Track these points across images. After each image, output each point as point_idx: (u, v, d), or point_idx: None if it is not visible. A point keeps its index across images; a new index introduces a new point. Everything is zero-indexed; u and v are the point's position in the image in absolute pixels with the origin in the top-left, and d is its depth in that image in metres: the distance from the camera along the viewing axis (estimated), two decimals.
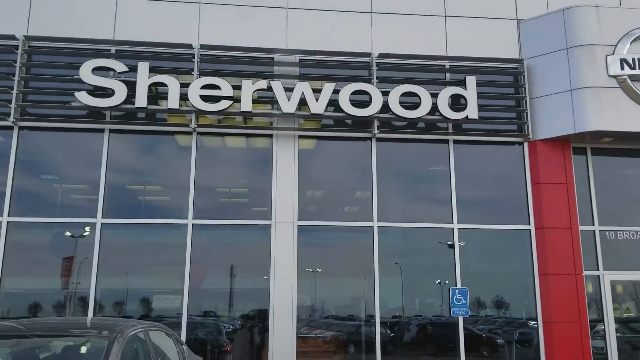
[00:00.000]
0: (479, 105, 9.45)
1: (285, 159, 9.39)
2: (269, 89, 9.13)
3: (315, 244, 9.59)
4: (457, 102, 9.58)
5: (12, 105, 8.85)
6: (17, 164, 8.99)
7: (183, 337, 8.70)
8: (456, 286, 9.29)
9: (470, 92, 9.44)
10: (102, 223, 8.93)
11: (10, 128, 9.02)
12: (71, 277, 8.90)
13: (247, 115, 9.37)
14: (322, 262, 9.41)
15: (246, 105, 8.99)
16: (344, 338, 9.35)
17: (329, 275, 9.47)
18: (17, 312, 8.69)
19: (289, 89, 9.13)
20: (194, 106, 8.92)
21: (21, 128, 9.10)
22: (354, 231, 9.59)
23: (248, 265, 9.33)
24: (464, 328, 9.26)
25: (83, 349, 4.54)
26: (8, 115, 8.85)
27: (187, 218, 9.09)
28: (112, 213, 9.04)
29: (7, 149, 8.98)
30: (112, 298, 9.00)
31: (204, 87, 8.97)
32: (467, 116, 9.40)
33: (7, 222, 8.76)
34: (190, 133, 9.36)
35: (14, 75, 8.94)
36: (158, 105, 9.19)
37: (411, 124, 9.67)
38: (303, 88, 9.12)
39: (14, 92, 8.87)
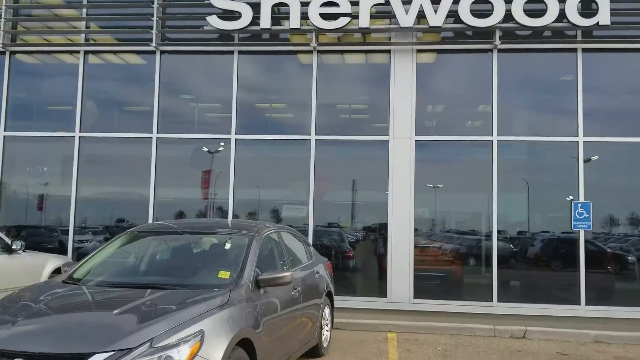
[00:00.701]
0: (611, 10, 8.82)
1: (403, 74, 9.51)
2: (387, 2, 9.14)
3: (434, 159, 9.80)
4: (588, 8, 9.00)
5: (153, 31, 9.73)
6: (161, 86, 9.97)
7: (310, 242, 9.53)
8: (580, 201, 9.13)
9: None
10: (236, 139, 9.76)
11: (153, 53, 9.95)
12: (210, 188, 9.93)
13: (365, 32, 9.53)
14: (440, 178, 9.64)
15: (364, 21, 9.13)
16: (463, 251, 9.68)
17: (448, 191, 9.69)
18: (166, 219, 9.91)
19: (406, 2, 9.09)
20: (313, 25, 9.23)
21: (162, 52, 10.00)
22: (473, 146, 9.64)
23: (368, 179, 9.81)
24: (589, 243, 9.18)
25: (227, 245, 5.31)
26: (150, 40, 9.77)
27: (310, 134, 9.66)
28: (244, 129, 9.83)
29: (152, 73, 9.97)
30: (245, 208, 9.96)
31: (323, 5, 9.20)
32: (597, 22, 8.84)
33: (157, 137, 9.87)
34: (310, 52, 9.73)
35: (153, 2, 9.76)
36: (281, 25, 9.62)
37: (536, 33, 9.29)
38: (421, 0, 9.05)
39: (154, 18, 9.73)
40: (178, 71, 10.20)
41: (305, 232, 9.52)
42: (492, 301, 9.15)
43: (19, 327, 3.59)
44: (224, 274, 4.64)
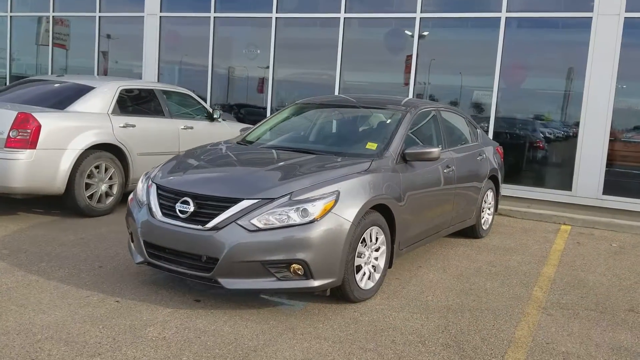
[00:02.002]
0: None
1: None
2: None
3: None
4: None
5: None
6: None
7: (491, 130, 9.24)
8: None
9: None
10: (420, 18, 9.57)
11: None
12: (410, 73, 10.00)
13: None
14: None
15: None
16: None
17: None
18: None
19: None
20: None
21: None
22: None
23: (562, 65, 8.98)
24: None
25: (381, 119, 5.52)
26: None
27: (500, 11, 9.05)
28: (431, 6, 9.57)
29: None
30: (431, 92, 9.91)
31: None
32: None
33: (344, 17, 10.11)
34: None
35: None
36: None
37: None
38: None
39: None
40: None
41: (487, 119, 9.26)
42: None
43: (189, 174, 4.31)
44: (372, 145, 4.88)
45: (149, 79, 12.11)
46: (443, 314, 4.20)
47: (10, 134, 5.79)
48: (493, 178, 6.84)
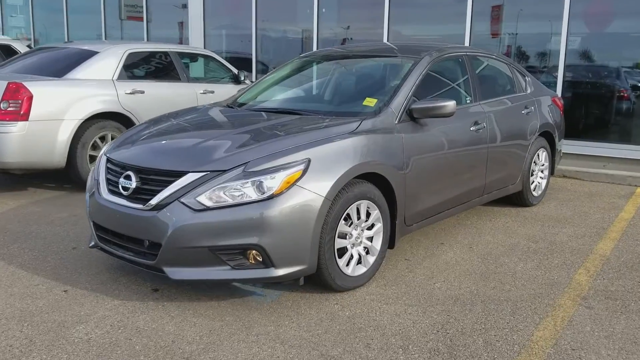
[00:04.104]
0: None
1: None
2: None
3: None
4: None
5: None
6: None
7: (560, 75, 7.98)
8: None
9: None
10: None
11: None
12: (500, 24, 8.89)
13: None
14: None
15: None
16: None
17: None
18: None
19: None
20: None
21: None
22: None
23: None
24: None
25: (387, 69, 4.65)
26: None
27: None
28: None
29: None
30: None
31: None
32: None
33: None
34: None
35: None
36: None
37: None
38: None
39: None
40: None
41: (554, 67, 8.01)
42: None
43: (140, 144, 3.70)
44: (370, 101, 4.05)
45: (195, 44, 11.67)
46: (447, 307, 3.39)
47: (1, 105, 5.45)
48: (546, 135, 5.77)
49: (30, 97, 5.51)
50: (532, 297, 3.56)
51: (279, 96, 4.77)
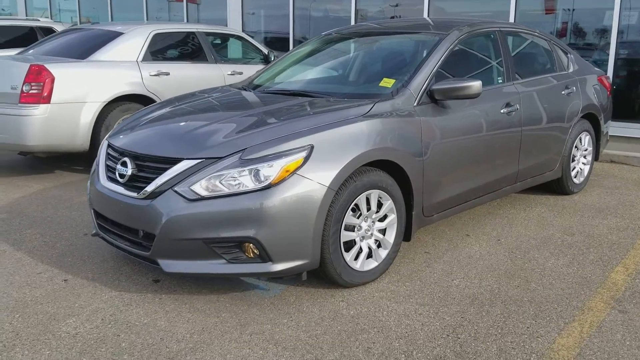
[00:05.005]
0: None
1: None
2: None
3: None
4: None
5: None
6: None
7: (612, 52, 7.38)
8: None
9: None
10: None
11: None
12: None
13: None
14: None
15: None
16: None
17: None
18: None
19: None
20: None
21: None
22: None
23: None
24: None
25: (409, 47, 4.31)
26: None
27: None
28: None
29: None
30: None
31: None
32: None
33: None
34: None
35: None
36: None
37: None
38: None
39: None
40: None
41: (606, 45, 7.42)
42: None
43: (139, 129, 3.53)
44: (388, 82, 3.75)
45: (233, 25, 11.52)
46: (462, 308, 3.11)
47: (24, 88, 5.42)
48: (590, 117, 5.31)
49: (52, 79, 5.46)
50: (559, 298, 3.23)
51: (295, 77, 4.52)
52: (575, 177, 5.25)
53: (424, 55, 3.90)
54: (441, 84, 3.66)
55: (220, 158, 3.00)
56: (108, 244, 3.46)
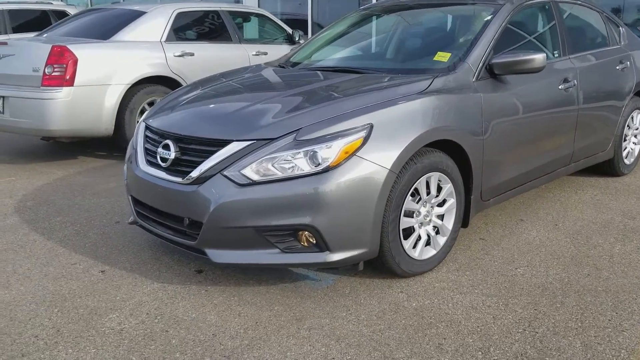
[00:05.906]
0: None
1: None
2: None
3: None
4: None
5: None
6: None
7: None
8: None
9: None
10: None
11: None
12: None
13: None
14: None
15: None
16: None
17: None
18: None
19: None
20: None
21: None
22: None
23: None
24: None
25: (464, 19, 4.04)
26: None
27: None
28: None
29: None
30: None
31: None
32: None
33: None
34: None
35: None
36: None
37: None
38: None
39: None
40: None
41: None
42: None
43: (180, 109, 3.29)
44: (443, 56, 3.48)
45: (248, 3, 11.23)
46: (533, 299, 2.87)
47: (46, 70, 5.20)
48: None
49: (75, 61, 5.23)
50: (636, 287, 2.98)
51: (336, 54, 4.25)
52: (626, 157, 4.98)
53: (480, 27, 3.62)
54: (502, 57, 3.39)
55: (272, 139, 2.75)
56: (148, 232, 3.24)
